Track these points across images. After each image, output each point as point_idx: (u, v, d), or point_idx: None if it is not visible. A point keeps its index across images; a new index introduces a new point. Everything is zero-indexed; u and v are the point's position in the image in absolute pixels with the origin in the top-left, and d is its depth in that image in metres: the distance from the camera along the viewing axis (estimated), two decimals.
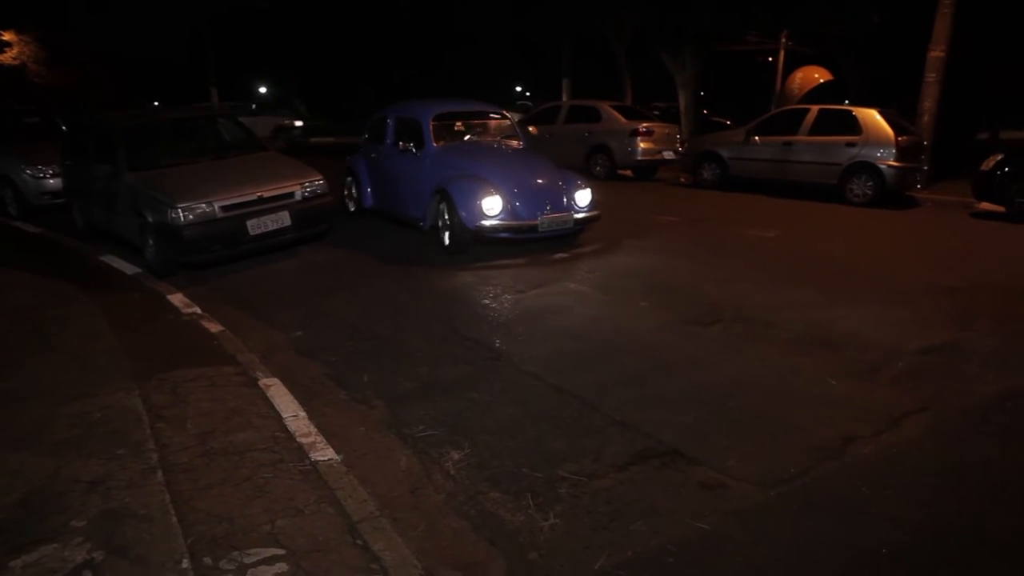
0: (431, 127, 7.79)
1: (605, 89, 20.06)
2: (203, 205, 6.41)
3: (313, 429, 3.59)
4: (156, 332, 5.08)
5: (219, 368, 4.36)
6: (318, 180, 7.38)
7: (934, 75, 12.19)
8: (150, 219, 6.47)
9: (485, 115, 9.03)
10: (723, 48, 20.62)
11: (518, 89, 37.23)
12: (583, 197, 7.38)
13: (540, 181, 7.32)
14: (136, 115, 8.39)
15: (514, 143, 8.51)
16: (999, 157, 10.07)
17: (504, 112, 9.04)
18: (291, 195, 7.07)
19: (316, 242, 7.80)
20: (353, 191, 9.35)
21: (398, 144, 8.11)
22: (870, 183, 10.72)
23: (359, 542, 2.70)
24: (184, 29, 25.20)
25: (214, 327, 5.11)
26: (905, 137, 10.88)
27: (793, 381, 4.20)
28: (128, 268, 6.86)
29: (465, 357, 4.59)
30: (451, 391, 4.11)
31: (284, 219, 6.98)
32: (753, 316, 5.33)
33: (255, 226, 6.74)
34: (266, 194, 6.84)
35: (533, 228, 6.97)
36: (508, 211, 6.89)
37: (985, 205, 10.35)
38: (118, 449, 3.33)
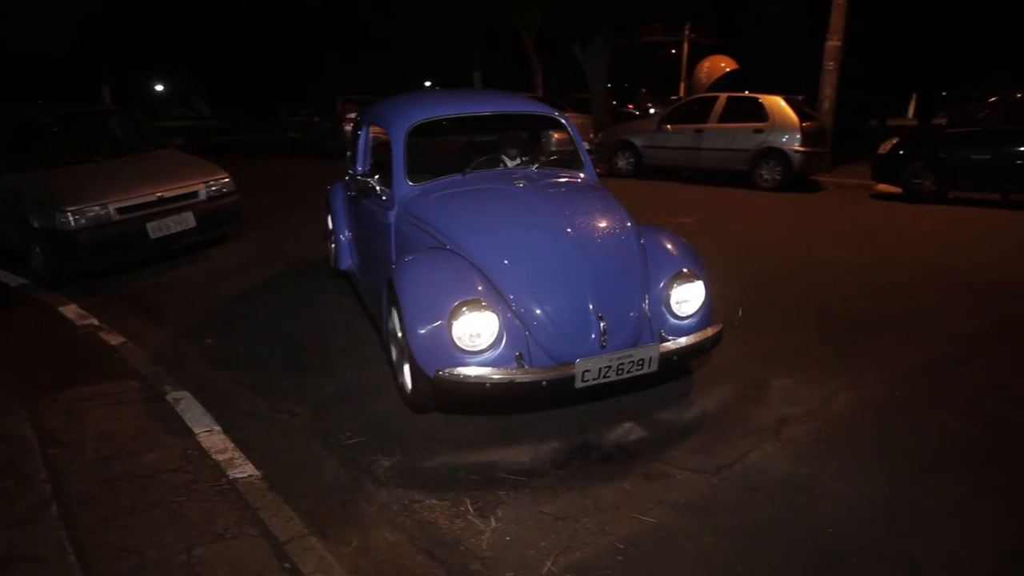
0: (404, 146, 4.15)
1: (516, 82, 20.02)
2: (96, 207, 5.93)
3: (230, 444, 3.31)
4: (48, 348, 4.63)
5: (122, 383, 4.00)
6: (223, 178, 6.97)
7: (832, 63, 12.71)
8: (36, 224, 5.93)
9: (516, 121, 4.91)
10: (631, 39, 20.96)
11: (427, 84, 36.74)
12: (687, 299, 3.56)
13: (594, 267, 3.38)
14: (15, 111, 7.69)
15: (564, 177, 4.40)
16: (895, 141, 10.58)
17: (555, 113, 4.80)
18: (195, 194, 6.65)
19: (225, 243, 7.39)
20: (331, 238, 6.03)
21: (367, 177, 4.56)
22: (778, 168, 11.07)
23: (287, 565, 2.49)
24: (72, 22, 23.54)
25: (114, 339, 4.70)
26: (809, 123, 11.29)
27: (720, 365, 4.20)
28: (12, 279, 6.26)
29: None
30: (378, 393, 3.90)
31: (188, 220, 6.55)
32: None
33: (156, 229, 6.30)
34: (167, 194, 6.40)
35: (564, 383, 3.13)
36: (512, 342, 3.21)
37: (883, 187, 10.87)
38: (3, 483, 2.97)
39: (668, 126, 12.41)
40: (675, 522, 2.73)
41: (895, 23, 17.98)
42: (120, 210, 6.05)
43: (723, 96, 12.09)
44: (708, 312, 3.65)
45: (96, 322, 5.04)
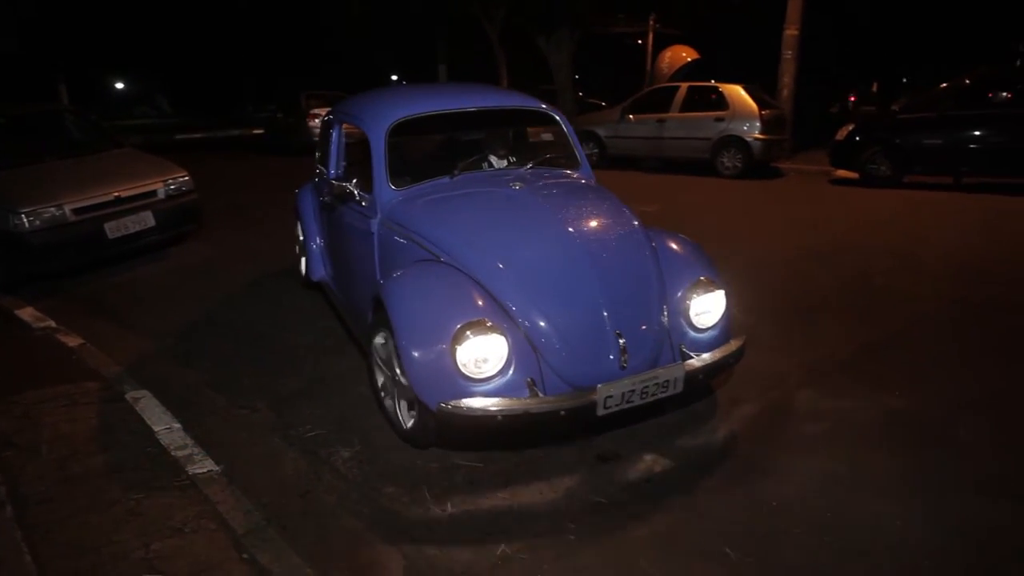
0: (385, 147, 3.77)
1: (481, 74, 20.01)
2: (52, 209, 5.85)
3: (190, 441, 3.33)
4: (3, 352, 4.58)
5: (80, 385, 3.97)
6: (182, 176, 6.92)
7: (790, 52, 12.92)
8: None
9: (505, 117, 4.42)
10: (596, 31, 21.04)
11: (394, 78, 36.60)
12: (708, 310, 3.26)
13: (608, 278, 3.05)
14: None
15: (562, 178, 4.07)
16: (851, 127, 10.79)
17: (544, 107, 4.39)
18: (153, 193, 6.59)
19: (185, 243, 7.34)
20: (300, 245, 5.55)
21: (342, 181, 4.13)
22: (739, 156, 11.25)
23: (245, 556, 2.52)
24: (27, 18, 22.91)
25: (73, 341, 4.66)
26: (768, 111, 11.47)
27: None
28: None
29: (353, 351, 4.41)
30: (339, 387, 3.93)
31: (147, 220, 6.50)
32: None
33: (114, 229, 6.23)
34: (124, 194, 6.33)
35: (584, 410, 2.82)
36: (522, 366, 2.88)
37: (841, 172, 11.09)
38: None
39: (631, 116, 12.52)
40: (626, 502, 2.81)
41: (853, 11, 18.33)
42: (76, 211, 5.98)
43: (684, 86, 12.24)
44: (728, 323, 3.36)
45: (54, 324, 4.99)
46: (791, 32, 12.82)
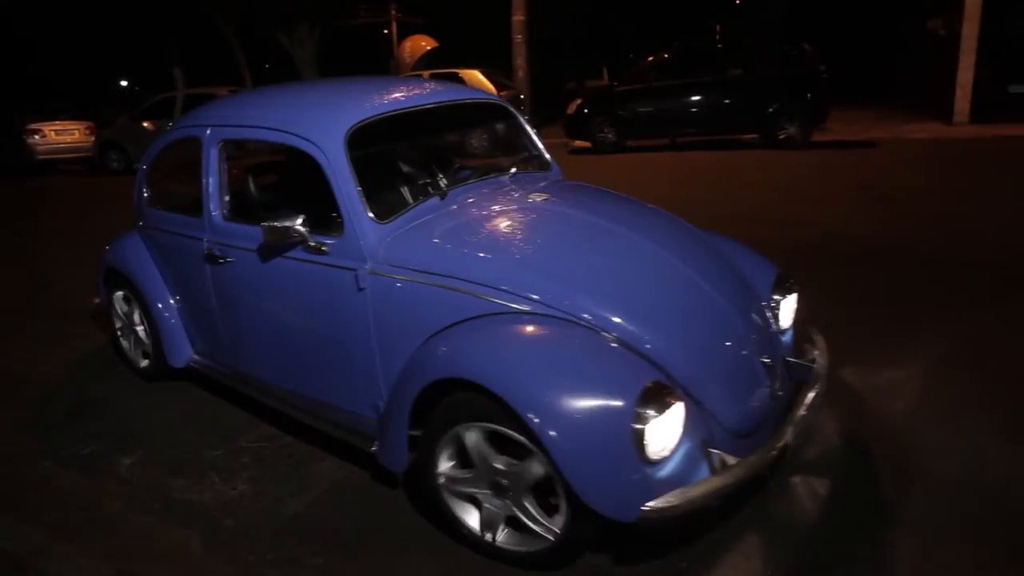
0: (350, 167, 2.70)
1: (223, 77, 19.15)
2: None
3: None
4: None
5: None
6: None
7: (520, 36, 14.03)
8: None
9: (464, 113, 3.68)
10: (337, 24, 20.96)
11: (124, 83, 33.47)
12: (789, 308, 2.96)
13: (722, 291, 2.62)
14: None
15: (565, 182, 3.55)
16: (579, 101, 12.05)
17: (499, 99, 3.85)
18: None
19: None
20: (135, 323, 4.07)
21: (253, 222, 3.01)
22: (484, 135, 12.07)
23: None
24: None
25: None
26: (506, 92, 12.42)
27: None
28: None
29: (125, 371, 4.32)
30: (109, 404, 3.89)
31: None
32: None
33: None
34: None
35: (776, 462, 2.31)
36: (694, 428, 2.20)
37: (578, 142, 12.36)
38: None
39: None
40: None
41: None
42: None
43: (427, 74, 12.83)
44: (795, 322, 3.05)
45: None
46: (518, 18, 13.91)
